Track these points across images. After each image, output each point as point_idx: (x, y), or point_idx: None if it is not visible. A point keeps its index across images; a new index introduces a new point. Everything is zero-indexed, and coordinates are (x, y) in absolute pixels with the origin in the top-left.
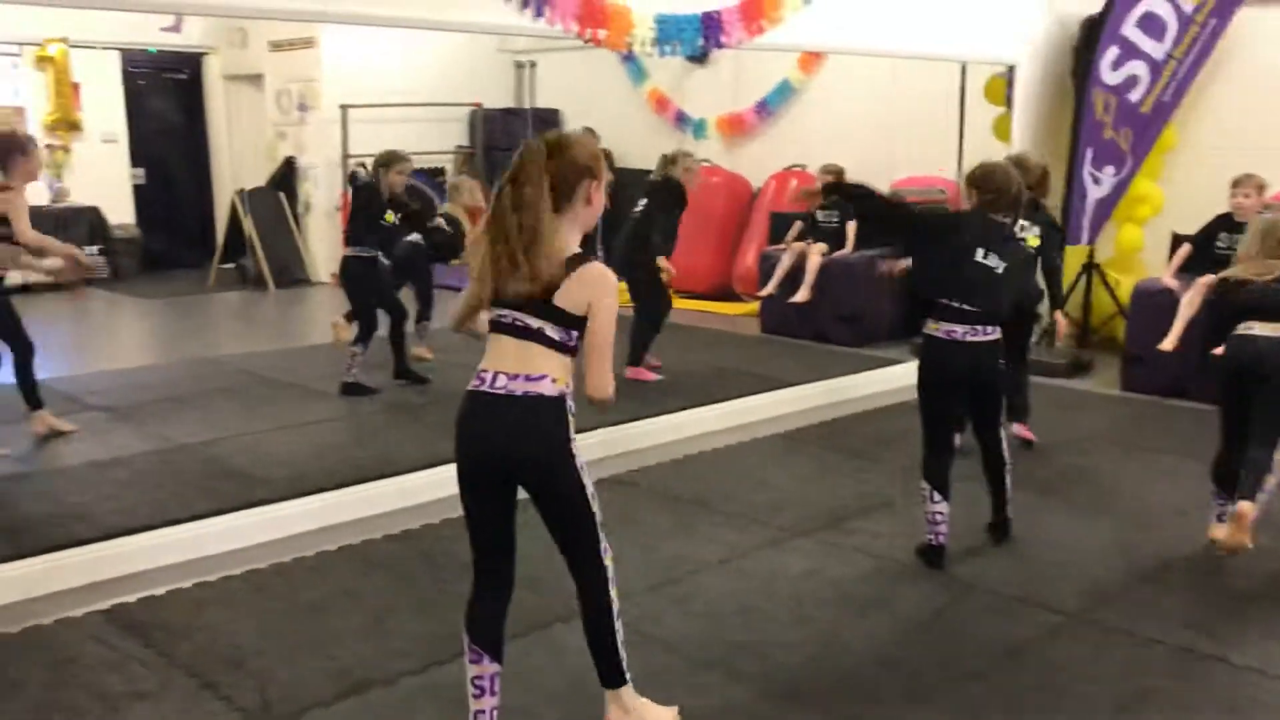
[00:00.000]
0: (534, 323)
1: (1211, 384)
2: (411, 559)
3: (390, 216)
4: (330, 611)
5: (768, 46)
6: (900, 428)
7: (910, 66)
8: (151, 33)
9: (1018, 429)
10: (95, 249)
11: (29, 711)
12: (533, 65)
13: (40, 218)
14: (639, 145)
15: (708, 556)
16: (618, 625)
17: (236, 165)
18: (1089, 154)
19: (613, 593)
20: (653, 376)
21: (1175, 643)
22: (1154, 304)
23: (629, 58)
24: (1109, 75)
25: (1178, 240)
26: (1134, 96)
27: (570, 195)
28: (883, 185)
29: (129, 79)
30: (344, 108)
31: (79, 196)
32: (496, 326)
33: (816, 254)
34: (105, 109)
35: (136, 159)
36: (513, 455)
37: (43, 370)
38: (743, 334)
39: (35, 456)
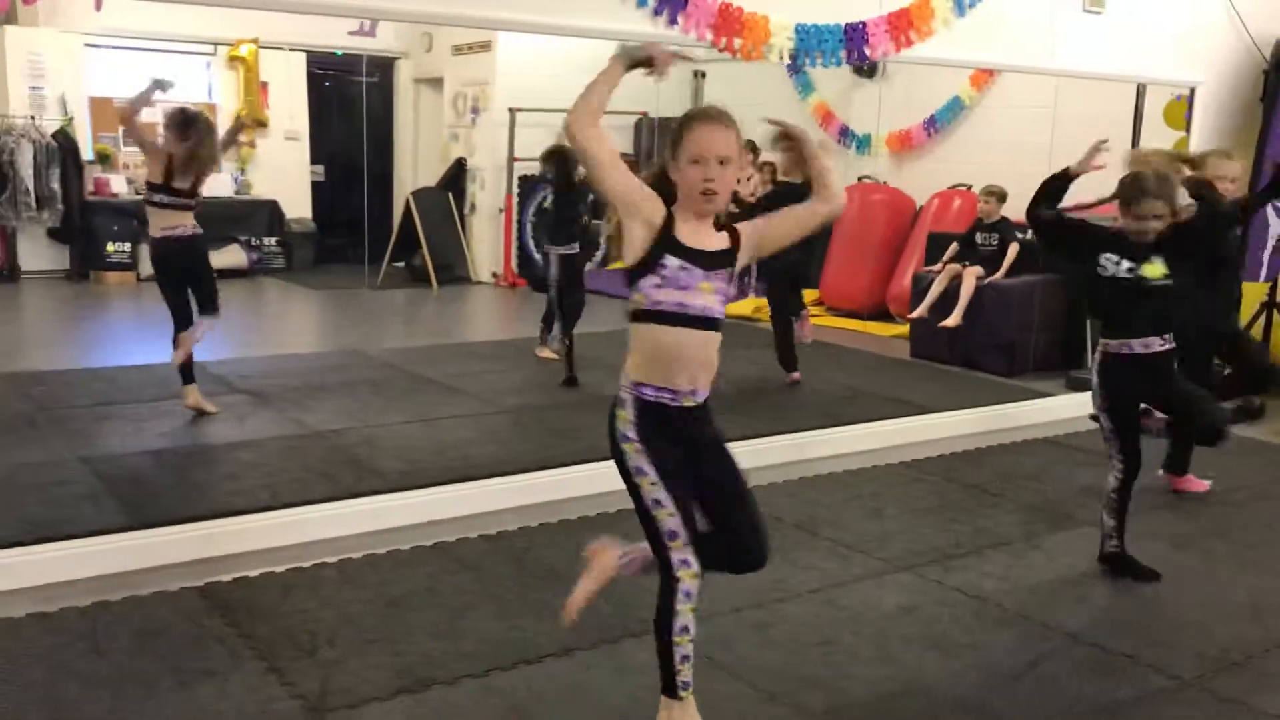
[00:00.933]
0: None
1: None
2: (500, 561)
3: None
4: (410, 606)
5: (920, 60)
6: (1034, 465)
7: (1085, 86)
8: (340, 36)
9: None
10: (273, 240)
11: (105, 677)
12: (702, 75)
13: (222, 206)
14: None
15: (800, 584)
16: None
17: (418, 166)
18: None
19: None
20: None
21: None
22: None
23: (796, 70)
24: None
25: None
26: None
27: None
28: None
29: (315, 80)
30: (512, 111)
31: (260, 190)
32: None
33: (971, 278)
34: (289, 108)
35: (318, 157)
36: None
37: (203, 353)
38: (890, 357)
39: (175, 434)
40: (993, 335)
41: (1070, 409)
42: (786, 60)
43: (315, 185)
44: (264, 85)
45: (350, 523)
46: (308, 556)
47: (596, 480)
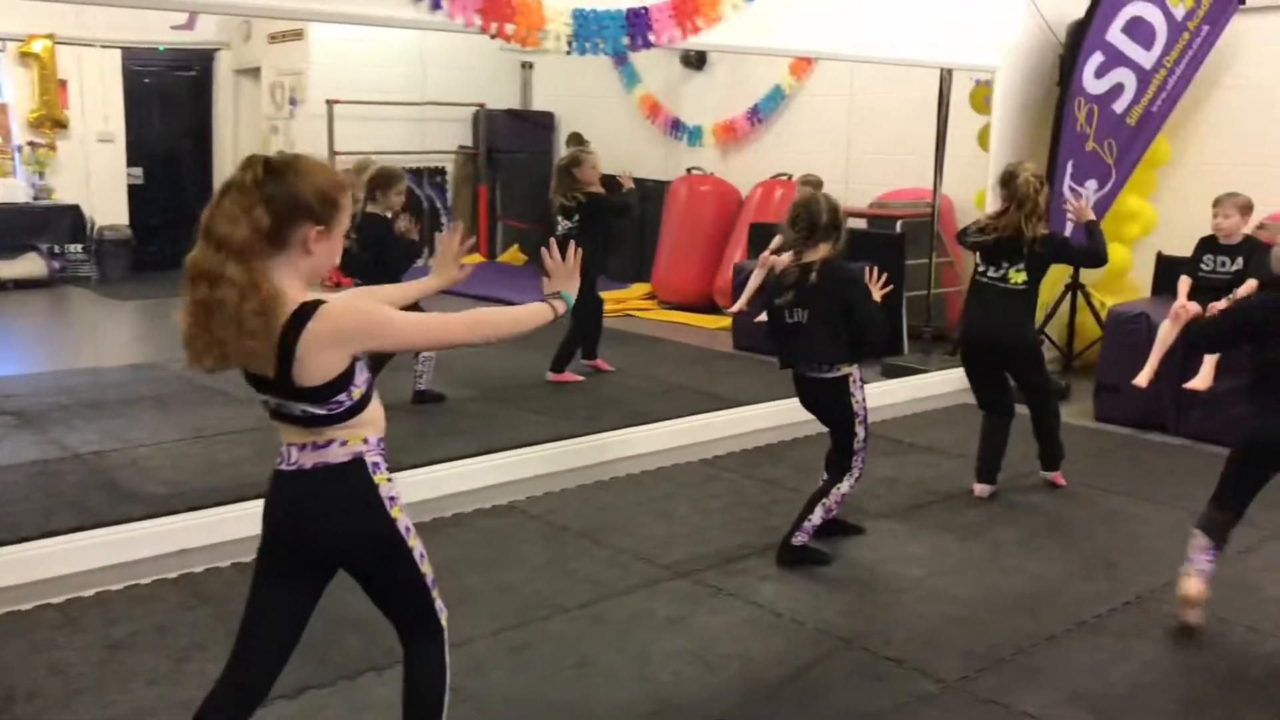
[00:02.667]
0: (296, 408)
1: (1187, 419)
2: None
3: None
4: (134, 649)
5: (711, 46)
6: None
7: (899, 73)
8: (162, 31)
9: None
10: (77, 248)
11: None
12: (530, 66)
13: (18, 215)
14: (631, 153)
15: (570, 599)
16: (446, 700)
17: (239, 162)
18: (1069, 167)
19: (446, 660)
20: (576, 378)
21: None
22: (1129, 329)
23: (622, 61)
24: (1092, 84)
25: (1162, 261)
26: (1119, 107)
27: (283, 238)
28: (868, 198)
29: (133, 77)
30: (330, 103)
31: (63, 195)
32: (270, 412)
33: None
34: (102, 108)
35: (138, 158)
36: (317, 538)
37: None
38: (713, 350)
39: None
40: None
41: (877, 396)
42: (565, 48)
43: (134, 188)
44: (63, 83)
45: (90, 557)
46: (33, 597)
47: None
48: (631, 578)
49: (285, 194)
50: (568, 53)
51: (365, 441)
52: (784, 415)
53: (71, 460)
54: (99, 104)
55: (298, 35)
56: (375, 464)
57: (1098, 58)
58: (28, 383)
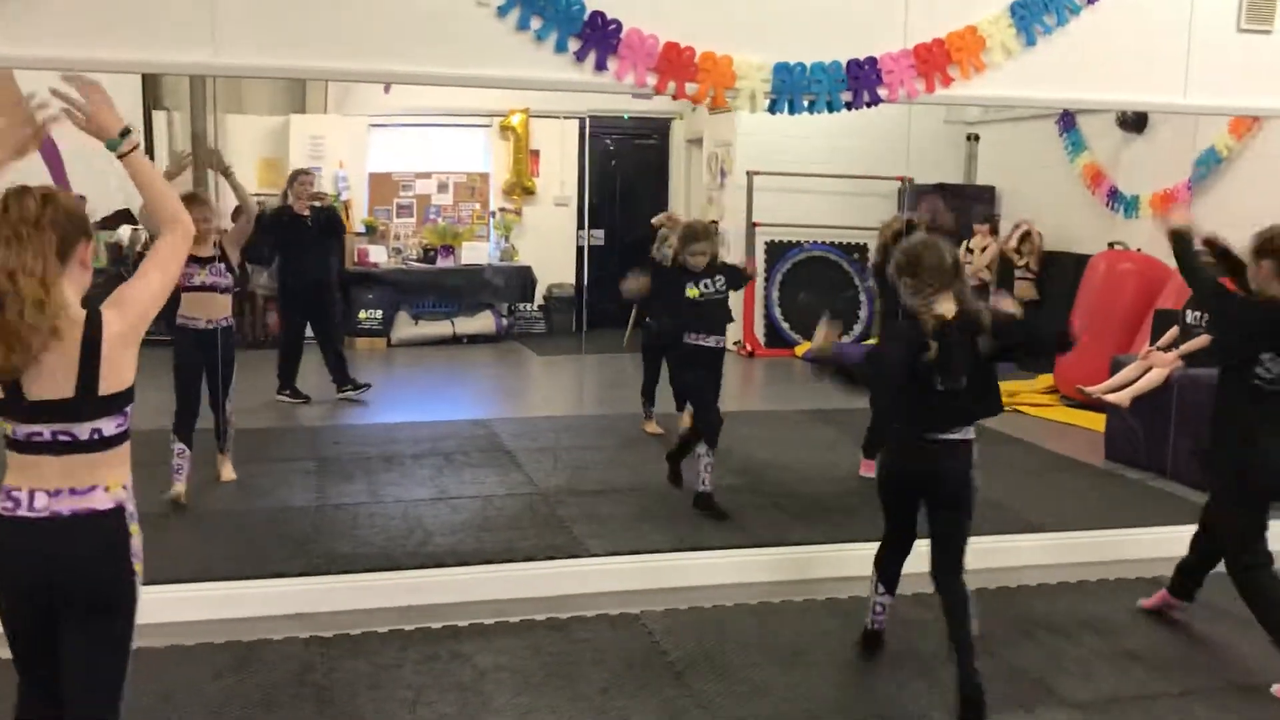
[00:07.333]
0: (85, 430)
1: None
2: None
3: (694, 291)
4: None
5: (972, 100)
6: (1096, 610)
7: None
8: (624, 99)
9: None
10: (530, 306)
11: None
12: (976, 138)
13: (482, 275)
14: (1071, 225)
15: None
16: None
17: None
18: None
19: None
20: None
21: None
22: None
23: (1069, 128)
24: None
25: None
26: None
27: (69, 253)
28: None
29: (597, 143)
30: (750, 174)
31: (523, 257)
32: (25, 446)
33: (1164, 365)
34: (560, 175)
35: (598, 221)
36: (66, 584)
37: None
38: (1076, 459)
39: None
40: (1196, 439)
41: None
42: (762, 107)
43: (591, 249)
44: (535, 153)
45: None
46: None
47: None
48: None
49: (64, 212)
50: (772, 112)
51: (125, 488)
52: (1066, 552)
53: (311, 511)
54: (558, 171)
55: (729, 108)
56: (131, 513)
57: None
58: (376, 431)
